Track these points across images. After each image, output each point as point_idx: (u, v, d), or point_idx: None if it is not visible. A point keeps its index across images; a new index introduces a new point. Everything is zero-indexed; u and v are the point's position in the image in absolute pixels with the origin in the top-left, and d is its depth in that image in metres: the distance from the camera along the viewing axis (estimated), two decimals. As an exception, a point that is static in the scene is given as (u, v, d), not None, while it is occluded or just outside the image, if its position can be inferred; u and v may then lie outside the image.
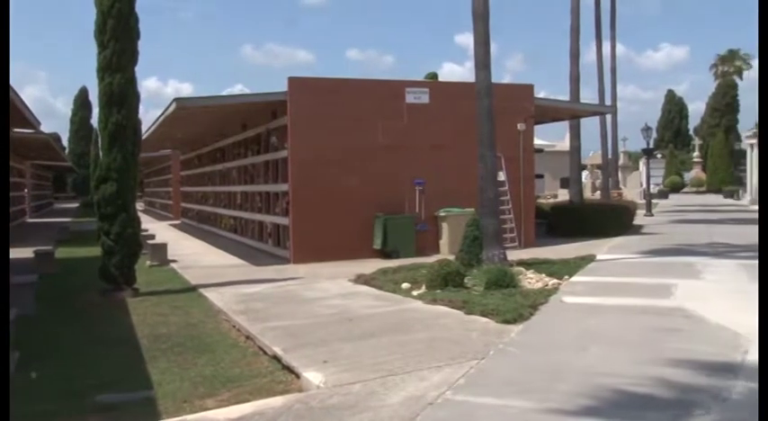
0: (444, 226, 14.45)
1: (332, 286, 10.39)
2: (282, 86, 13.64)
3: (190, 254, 16.22)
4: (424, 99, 14.60)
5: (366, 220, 13.90)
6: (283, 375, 5.87)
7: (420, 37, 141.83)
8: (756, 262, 11.91)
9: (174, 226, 27.71)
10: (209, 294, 9.92)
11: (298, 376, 5.67)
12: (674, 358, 5.70)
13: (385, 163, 14.14)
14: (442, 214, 14.46)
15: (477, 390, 5.04)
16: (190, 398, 5.32)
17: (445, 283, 9.25)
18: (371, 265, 12.06)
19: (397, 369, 5.57)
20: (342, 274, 11.30)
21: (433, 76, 23.18)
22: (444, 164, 14.43)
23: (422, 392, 4.98)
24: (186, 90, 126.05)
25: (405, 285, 9.82)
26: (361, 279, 10.73)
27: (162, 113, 15.72)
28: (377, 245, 13.90)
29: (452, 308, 8.10)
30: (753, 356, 5.70)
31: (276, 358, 6.28)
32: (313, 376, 5.46)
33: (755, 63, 65.72)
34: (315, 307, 8.69)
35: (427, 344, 6.47)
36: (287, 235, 14.23)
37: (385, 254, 13.70)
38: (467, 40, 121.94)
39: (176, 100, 14.01)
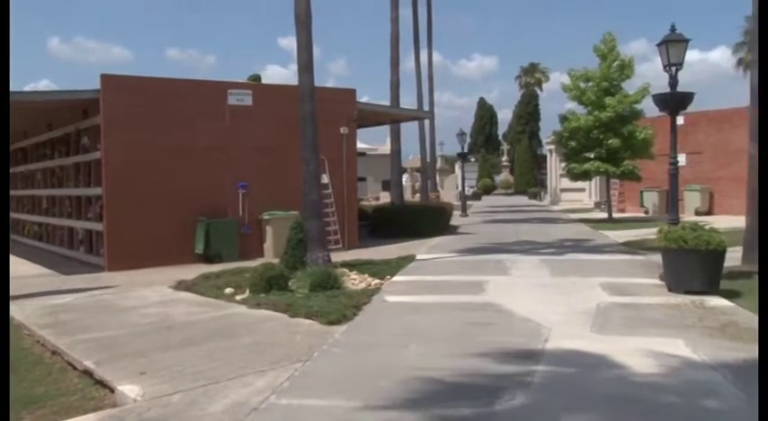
0: (268, 229, 14.34)
1: (151, 293, 9.92)
2: (96, 84, 12.79)
3: (-14, 264, 14.66)
4: (247, 101, 14.39)
5: (187, 224, 13.42)
6: (96, 391, 5.51)
7: (243, 38, 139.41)
8: (556, 257, 13.12)
9: (-33, 233, 24.90)
10: (10, 308, 9.04)
11: (112, 390, 5.34)
12: (485, 349, 6.10)
13: (207, 165, 13.74)
14: (266, 217, 14.34)
15: (301, 393, 5.07)
16: (-14, 424, 4.82)
17: (269, 287, 9.19)
18: (193, 271, 11.67)
19: (220, 376, 5.44)
20: (162, 281, 10.82)
21: (257, 77, 22.94)
22: (268, 167, 14.32)
23: (245, 398, 4.91)
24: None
25: (228, 290, 9.61)
26: (182, 285, 10.35)
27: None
28: (199, 249, 13.48)
29: (277, 311, 8.06)
30: (552, 344, 6.28)
31: (88, 373, 5.88)
32: (129, 389, 5.17)
33: (553, 76, 72.24)
34: (132, 316, 8.24)
35: (251, 348, 6.39)
36: (101, 241, 13.37)
37: (208, 258, 13.32)
38: (291, 43, 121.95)
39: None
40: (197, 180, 13.57)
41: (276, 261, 10.91)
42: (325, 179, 14.55)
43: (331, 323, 7.36)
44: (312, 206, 11.46)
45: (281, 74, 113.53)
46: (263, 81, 22.67)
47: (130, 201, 12.83)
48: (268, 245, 14.29)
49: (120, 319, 8.04)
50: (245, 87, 15.29)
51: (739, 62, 49.51)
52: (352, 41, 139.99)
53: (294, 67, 13.53)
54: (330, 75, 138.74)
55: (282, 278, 9.45)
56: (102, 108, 12.69)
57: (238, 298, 9.11)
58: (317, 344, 6.51)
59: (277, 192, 14.19)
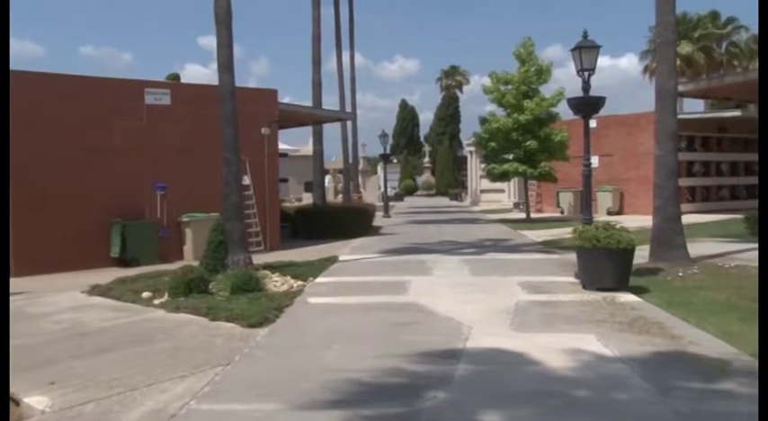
0: (188, 231, 14.01)
1: (62, 299, 9.50)
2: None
3: None
4: (166, 100, 14.02)
5: (101, 227, 12.95)
6: None
7: (161, 36, 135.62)
8: (477, 257, 13.39)
9: None
10: None
11: (18, 403, 5.09)
12: (408, 349, 6.16)
13: (123, 166, 13.29)
14: (186, 219, 14.01)
15: (222, 397, 4.98)
16: None
17: (189, 290, 8.99)
18: (109, 275, 11.27)
19: (137, 383, 5.28)
20: (74, 286, 10.39)
21: (175, 76, 22.46)
22: (188, 167, 13.99)
23: (163, 405, 4.78)
24: None
25: (145, 294, 9.34)
26: (96, 290, 9.98)
27: None
28: (115, 253, 13.02)
29: (197, 315, 7.89)
30: (472, 342, 6.41)
31: (-7, 384, 5.58)
32: (37, 401, 4.94)
33: (473, 79, 73.70)
34: (42, 323, 7.88)
35: (170, 354, 6.23)
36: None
37: (124, 262, 12.89)
38: (210, 41, 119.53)
39: None
40: (112, 181, 13.11)
41: (196, 264, 10.67)
42: (246, 180, 14.34)
43: (252, 326, 7.27)
44: (233, 207, 11.28)
45: (201, 73, 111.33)
46: (183, 80, 22.17)
47: (38, 203, 12.24)
48: (188, 247, 13.97)
49: (30, 327, 7.67)
50: (163, 86, 14.91)
51: (645, 69, 51.81)
52: (274, 41, 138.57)
53: (214, 66, 13.45)
54: (252, 75, 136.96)
55: (203, 281, 9.26)
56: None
57: (157, 302, 8.87)
58: (239, 347, 6.41)
59: (197, 193, 13.88)
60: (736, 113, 26.28)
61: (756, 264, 10.90)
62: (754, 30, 48.45)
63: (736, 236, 13.94)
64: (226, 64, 11.34)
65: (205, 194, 13.56)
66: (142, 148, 13.52)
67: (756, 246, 12.15)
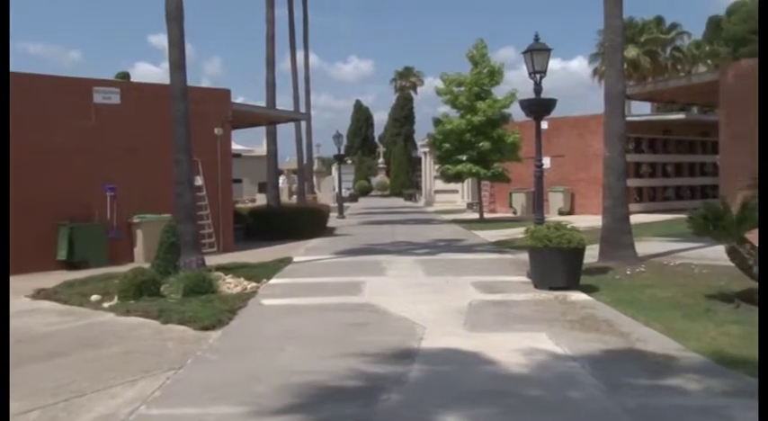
0: (139, 233, 13.74)
1: (6, 304, 9.21)
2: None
3: None
4: (115, 99, 13.72)
5: (48, 229, 12.58)
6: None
7: (110, 34, 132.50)
8: (431, 257, 13.47)
9: None
10: None
11: (-39, 411, 4.92)
12: (362, 350, 6.16)
13: (70, 167, 12.95)
14: (137, 221, 13.73)
15: (174, 401, 4.90)
16: None
17: (140, 293, 8.82)
18: (56, 278, 10.98)
19: (85, 389, 5.15)
20: (18, 290, 10.03)
21: (125, 75, 22.02)
22: (139, 168, 13.71)
23: (113, 411, 4.67)
24: None
25: (94, 297, 9.12)
26: (42, 293, 9.71)
27: None
28: (62, 256, 12.68)
29: (148, 318, 7.76)
30: (427, 342, 6.45)
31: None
32: (-19, 408, 4.78)
33: (428, 80, 74.16)
34: (-16, 329, 7.62)
35: (120, 358, 6.10)
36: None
37: (72, 265, 12.56)
38: (162, 40, 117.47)
39: None
40: (58, 182, 12.75)
41: (147, 266, 10.48)
42: (198, 181, 14.12)
43: (205, 328, 7.18)
44: (185, 208, 11.12)
45: (152, 72, 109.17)
46: (133, 79, 21.74)
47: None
48: (139, 249, 13.69)
49: (-29, 333, 7.42)
50: (113, 85, 14.59)
51: (595, 72, 52.94)
52: (227, 40, 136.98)
53: (166, 65, 13.22)
54: (204, 74, 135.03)
55: (154, 283, 9.11)
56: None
57: (106, 305, 8.67)
58: (191, 350, 6.32)
59: (148, 194, 13.62)
60: (681, 116, 27.10)
61: (698, 262, 11.28)
62: (696, 35, 50.11)
63: (680, 235, 14.33)
64: (177, 63, 11.17)
65: (157, 195, 13.33)
66: (90, 149, 13.20)
67: (699, 245, 12.57)
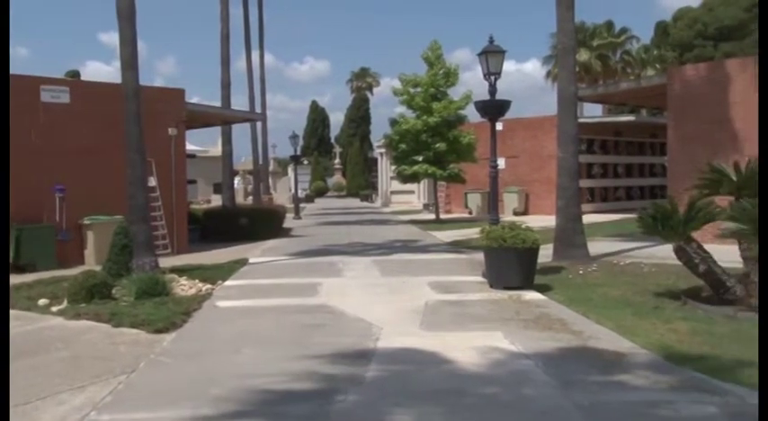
0: (90, 235, 13.43)
1: (-51, 309, 8.91)
2: None
3: None
4: (65, 98, 13.38)
5: (-7, 231, 12.21)
6: None
7: (59, 31, 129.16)
8: (387, 257, 13.50)
9: None
10: None
11: None
12: (319, 351, 6.15)
13: (17, 167, 12.49)
14: (87, 222, 13.42)
15: (126, 406, 4.81)
16: None
17: (91, 296, 8.62)
18: (1, 282, 10.64)
19: (31, 396, 5.00)
20: (-38, 294, 9.76)
21: (75, 73, 21.53)
22: (90, 168, 13.40)
23: (60, 418, 4.56)
24: None
25: (42, 301, 8.88)
26: (-13, 298, 9.41)
27: None
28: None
29: (99, 321, 7.59)
30: (383, 342, 6.47)
31: None
32: None
33: (384, 81, 74.32)
34: (-75, 335, 7.36)
35: (69, 363, 5.96)
36: None
37: (19, 268, 12.19)
38: (113, 38, 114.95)
39: None
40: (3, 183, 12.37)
41: (99, 268, 10.26)
42: (152, 182, 13.88)
43: (159, 331, 7.06)
44: (138, 210, 10.92)
45: (103, 70, 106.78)
46: (84, 78, 21.26)
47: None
48: (89, 251, 13.39)
49: None
50: (62, 84, 14.22)
51: (548, 74, 53.82)
52: (181, 39, 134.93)
53: (118, 63, 12.90)
54: (158, 73, 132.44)
55: (105, 286, 8.92)
56: None
57: (55, 309, 8.45)
58: (144, 354, 6.21)
59: (100, 195, 13.33)
60: (631, 118, 27.76)
61: (648, 261, 11.58)
62: (645, 40, 51.40)
63: (630, 235, 14.67)
64: (129, 62, 10.96)
65: (109, 196, 13.05)
66: (39, 148, 12.84)
67: (648, 244, 12.90)
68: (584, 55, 47.91)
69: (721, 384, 5.01)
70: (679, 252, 7.90)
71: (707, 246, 7.98)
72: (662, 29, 46.92)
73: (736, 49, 38.05)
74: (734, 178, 8.12)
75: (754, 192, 7.70)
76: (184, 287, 9.70)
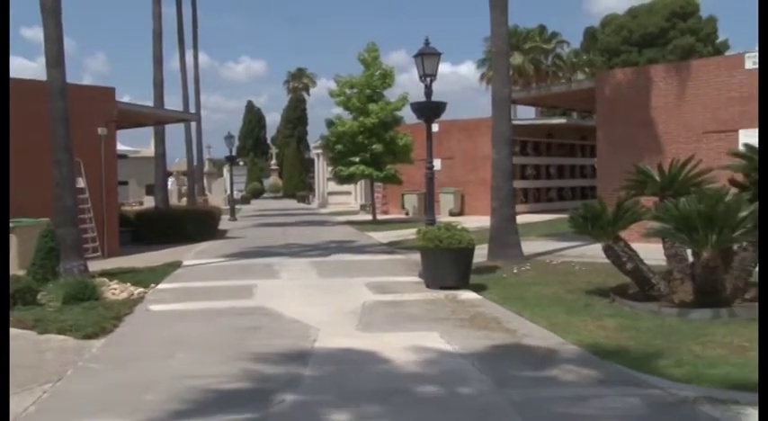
0: (13, 238, 12.84)
1: None
2: None
3: None
4: (-16, 95, 12.79)
5: None
6: None
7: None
8: (324, 259, 13.47)
9: None
10: None
11: None
12: (256, 353, 6.08)
13: (-67, 166, 11.96)
14: (11, 225, 12.86)
15: (50, 417, 4.64)
16: None
17: (14, 302, 8.28)
18: None
19: (-48, 407, 4.79)
20: None
21: (-4, 69, 20.55)
22: (13, 170, 12.81)
23: (-15, 429, 4.37)
24: None
25: (-38, 308, 8.49)
26: None
27: None
28: (-76, 263, 11.70)
29: (23, 328, 7.28)
30: (320, 344, 6.46)
31: None
32: None
33: (321, 82, 74.01)
34: None
35: (-8, 372, 5.70)
36: None
37: (-65, 273, 11.62)
38: (37, 34, 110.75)
39: None
40: None
41: (23, 273, 9.87)
42: (81, 183, 13.43)
43: (88, 337, 6.85)
44: (66, 212, 10.58)
45: (27, 67, 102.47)
46: (5, 73, 20.37)
47: None
48: (13, 255, 12.81)
49: None
50: (-18, 80, 13.58)
51: (482, 77, 54.70)
52: (112, 36, 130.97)
53: (43, 60, 12.36)
54: (87, 71, 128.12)
55: (30, 291, 8.60)
56: None
57: (-25, 316, 8.09)
58: (72, 360, 6.02)
59: (24, 197, 12.72)
60: (562, 121, 28.50)
61: (579, 260, 11.92)
62: (575, 44, 52.87)
63: (562, 234, 15.08)
64: (55, 58, 10.60)
65: (33, 198, 12.52)
66: (-43, 148, 12.26)
67: (579, 243, 13.27)
68: (517, 58, 48.90)
69: (644, 376, 5.22)
70: (608, 251, 8.16)
71: (633, 245, 8.28)
72: (590, 34, 48.35)
73: (658, 55, 39.63)
74: (658, 179, 8.45)
75: (676, 193, 8.06)
76: (115, 291, 9.44)
